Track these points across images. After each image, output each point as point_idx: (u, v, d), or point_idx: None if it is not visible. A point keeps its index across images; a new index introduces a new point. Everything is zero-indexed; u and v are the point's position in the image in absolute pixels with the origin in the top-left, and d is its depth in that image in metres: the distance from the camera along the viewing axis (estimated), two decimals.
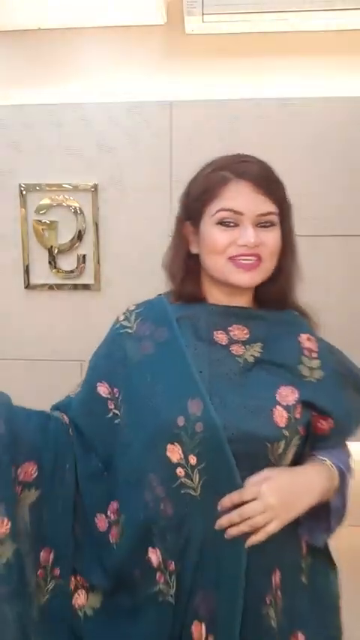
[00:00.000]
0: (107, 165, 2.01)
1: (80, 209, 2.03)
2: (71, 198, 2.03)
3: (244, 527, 0.75)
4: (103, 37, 2.02)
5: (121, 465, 0.84)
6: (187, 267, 0.91)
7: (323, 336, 1.00)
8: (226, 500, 0.77)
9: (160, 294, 0.98)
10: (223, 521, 0.77)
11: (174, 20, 1.92)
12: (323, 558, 0.94)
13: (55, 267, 2.08)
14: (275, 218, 0.85)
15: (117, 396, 0.87)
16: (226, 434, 0.77)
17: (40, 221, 2.06)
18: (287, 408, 0.79)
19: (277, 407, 0.79)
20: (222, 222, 0.83)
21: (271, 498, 0.74)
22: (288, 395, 0.81)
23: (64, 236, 2.06)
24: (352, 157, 1.94)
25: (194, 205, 0.88)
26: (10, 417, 0.84)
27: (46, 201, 2.04)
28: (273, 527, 0.75)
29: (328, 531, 0.86)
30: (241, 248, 0.82)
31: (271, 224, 0.84)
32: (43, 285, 2.11)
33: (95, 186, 2.02)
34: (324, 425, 0.83)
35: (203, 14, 1.82)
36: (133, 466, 0.82)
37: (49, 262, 2.08)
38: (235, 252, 0.83)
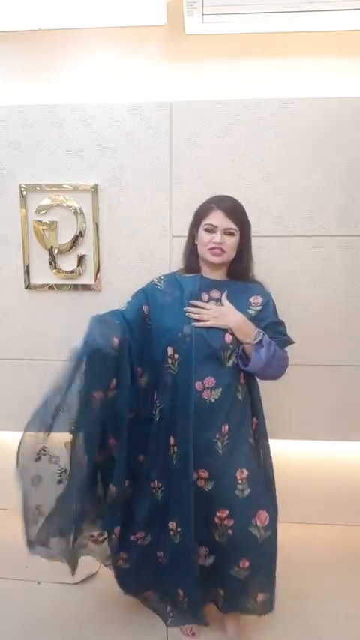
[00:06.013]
0: (107, 166, 2.01)
1: (80, 209, 2.04)
2: (71, 198, 2.04)
3: (197, 317, 1.53)
4: (104, 37, 2.03)
5: (150, 350, 1.61)
6: (191, 251, 1.64)
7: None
8: (193, 304, 1.56)
9: (173, 272, 1.73)
10: (191, 309, 1.54)
11: (174, 21, 1.93)
12: (254, 397, 1.66)
13: (56, 268, 2.09)
14: (235, 231, 1.54)
15: (149, 314, 1.61)
16: (197, 345, 1.52)
17: (41, 221, 2.06)
18: (232, 334, 1.54)
19: (227, 334, 1.53)
20: (207, 229, 1.55)
21: (213, 311, 1.54)
22: None
23: (65, 236, 2.07)
24: (352, 157, 1.94)
25: (196, 220, 1.60)
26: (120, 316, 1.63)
27: (46, 201, 2.05)
28: (210, 323, 1.52)
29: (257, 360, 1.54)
30: (214, 243, 1.54)
31: (232, 234, 1.55)
32: (43, 285, 2.11)
33: (95, 187, 2.02)
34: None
35: (203, 15, 1.82)
36: (153, 356, 1.60)
37: (50, 262, 2.08)
38: (211, 245, 1.54)
